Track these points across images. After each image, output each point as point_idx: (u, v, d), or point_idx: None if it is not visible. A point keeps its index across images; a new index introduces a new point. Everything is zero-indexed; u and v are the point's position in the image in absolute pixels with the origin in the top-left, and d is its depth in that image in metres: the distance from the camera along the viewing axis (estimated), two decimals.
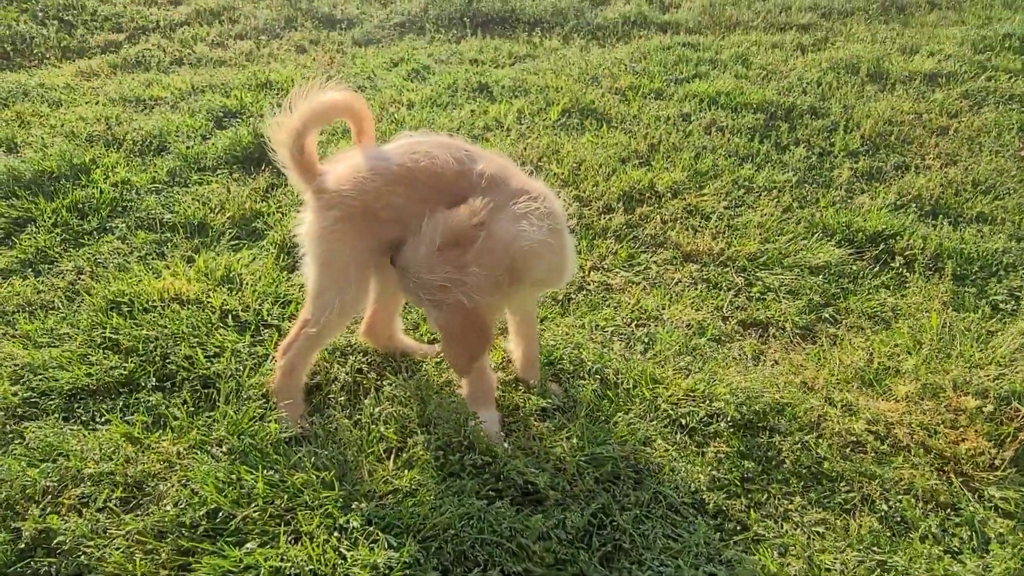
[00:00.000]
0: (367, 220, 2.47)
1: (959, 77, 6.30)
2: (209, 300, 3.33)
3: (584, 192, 4.43)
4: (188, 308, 3.25)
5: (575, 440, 2.59)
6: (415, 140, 2.57)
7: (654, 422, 2.74)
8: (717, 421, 2.73)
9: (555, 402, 2.78)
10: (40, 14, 7.50)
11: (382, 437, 2.65)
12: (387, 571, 2.15)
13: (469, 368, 2.47)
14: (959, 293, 3.58)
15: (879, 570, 2.21)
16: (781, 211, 4.29)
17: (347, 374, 2.94)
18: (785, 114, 5.56)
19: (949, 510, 2.42)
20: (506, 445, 2.58)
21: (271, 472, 2.45)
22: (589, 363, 2.98)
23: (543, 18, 8.03)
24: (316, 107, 2.47)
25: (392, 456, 2.59)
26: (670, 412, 2.79)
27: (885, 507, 2.41)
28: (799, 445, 2.63)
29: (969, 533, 2.30)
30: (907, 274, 3.77)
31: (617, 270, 3.81)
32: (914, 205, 4.36)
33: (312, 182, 2.50)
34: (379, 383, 2.92)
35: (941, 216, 4.29)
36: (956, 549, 2.26)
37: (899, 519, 2.38)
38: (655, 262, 3.87)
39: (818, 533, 2.34)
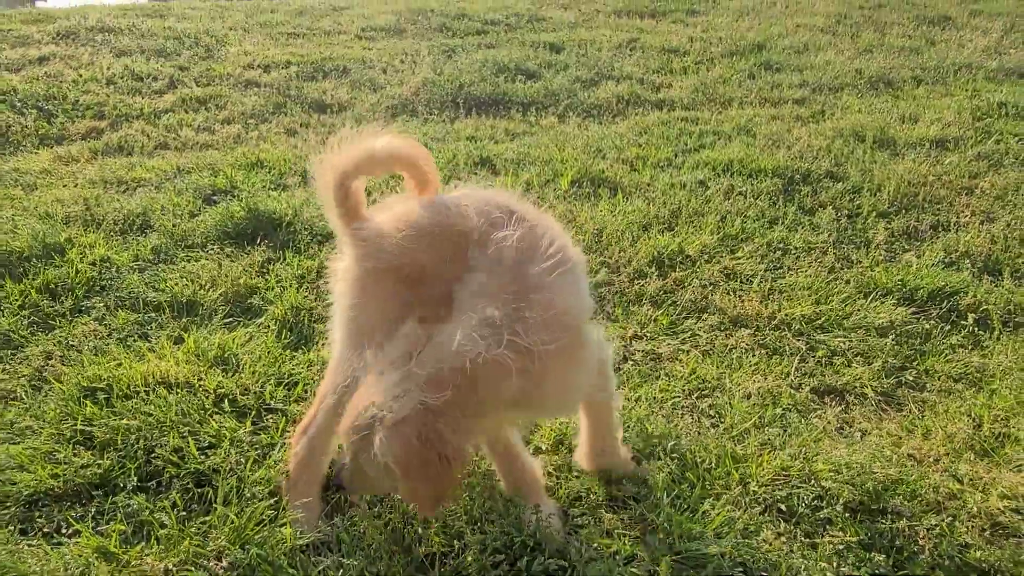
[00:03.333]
0: (397, 277, 2.06)
1: (967, 141, 6.20)
2: (201, 383, 2.84)
3: (611, 258, 4.08)
4: (176, 392, 2.76)
5: (661, 535, 2.11)
6: (468, 193, 2.19)
7: (748, 510, 2.27)
8: (827, 504, 2.26)
9: (629, 489, 2.31)
10: (19, 104, 7.22)
11: (421, 539, 2.14)
12: None
13: (434, 510, 1.89)
14: None
15: None
16: (826, 271, 3.96)
17: None
18: (803, 178, 5.34)
19: None
20: (578, 544, 2.08)
21: None
22: (658, 440, 2.52)
23: (536, 99, 7.94)
24: (374, 151, 2.11)
25: (437, 565, 2.08)
26: (764, 496, 2.32)
27: None
28: (935, 532, 2.16)
29: None
30: (981, 332, 3.41)
31: (662, 337, 3.40)
32: (967, 261, 4.06)
33: (351, 227, 2.09)
34: None
35: (997, 273, 3.98)
36: None
37: None
38: (701, 328, 3.47)
39: None
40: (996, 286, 3.77)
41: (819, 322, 3.48)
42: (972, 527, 2.18)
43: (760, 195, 5.00)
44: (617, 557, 2.05)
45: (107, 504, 2.29)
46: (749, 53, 9.32)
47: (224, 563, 2.02)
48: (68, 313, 3.49)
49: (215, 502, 2.25)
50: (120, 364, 2.97)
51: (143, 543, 2.14)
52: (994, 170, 5.54)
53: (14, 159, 6.03)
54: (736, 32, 10.40)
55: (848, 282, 3.85)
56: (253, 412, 2.74)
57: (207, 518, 2.21)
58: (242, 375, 2.94)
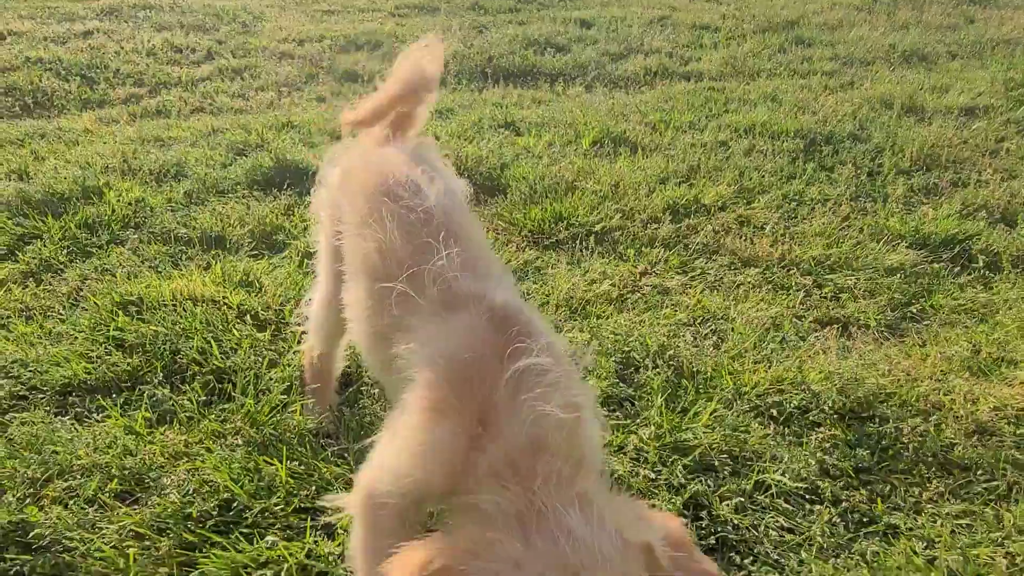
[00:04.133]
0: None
1: (997, 109, 6.12)
2: (226, 300, 3.00)
3: (626, 206, 4.15)
4: (203, 306, 2.92)
5: (653, 428, 2.20)
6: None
7: (741, 413, 2.34)
8: (816, 408, 2.33)
9: (625, 391, 2.40)
10: (63, 72, 7.52)
11: None
12: None
13: None
14: None
15: None
16: (840, 220, 3.98)
17: None
18: (825, 140, 5.34)
19: None
20: None
21: (296, 463, 2.05)
22: (658, 350, 2.61)
23: (564, 71, 8.01)
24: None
25: None
26: (758, 403, 2.39)
27: None
28: (919, 432, 2.21)
29: None
30: (992, 275, 3.42)
31: (671, 274, 3.47)
32: (983, 212, 4.05)
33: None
34: None
35: (1013, 223, 3.97)
36: None
37: None
38: (711, 268, 3.53)
39: (965, 525, 1.91)
40: (1010, 233, 3.76)
41: (828, 263, 3.52)
42: (958, 430, 2.23)
43: (781, 154, 5.02)
44: (607, 448, 2.15)
45: (134, 395, 2.45)
46: (781, 29, 9.26)
47: (240, 440, 2.16)
48: (104, 245, 3.69)
49: (234, 393, 2.39)
50: (150, 285, 3.14)
51: (166, 426, 2.29)
52: (1022, 135, 5.47)
53: (57, 120, 6.30)
54: (770, 10, 10.32)
55: (862, 230, 3.87)
56: (273, 326, 2.89)
57: (226, 405, 2.35)
58: (265, 295, 3.10)
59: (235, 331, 2.77)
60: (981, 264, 3.46)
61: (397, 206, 1.77)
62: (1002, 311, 3.01)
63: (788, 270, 3.48)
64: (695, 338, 2.85)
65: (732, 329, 2.89)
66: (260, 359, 2.59)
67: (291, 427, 2.20)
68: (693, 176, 4.66)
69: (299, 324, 2.51)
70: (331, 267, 2.07)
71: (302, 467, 2.03)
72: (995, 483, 2.05)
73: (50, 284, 3.29)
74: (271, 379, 2.48)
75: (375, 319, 1.72)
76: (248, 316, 2.92)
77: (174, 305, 2.93)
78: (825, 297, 3.25)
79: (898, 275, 3.39)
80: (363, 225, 1.80)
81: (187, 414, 2.32)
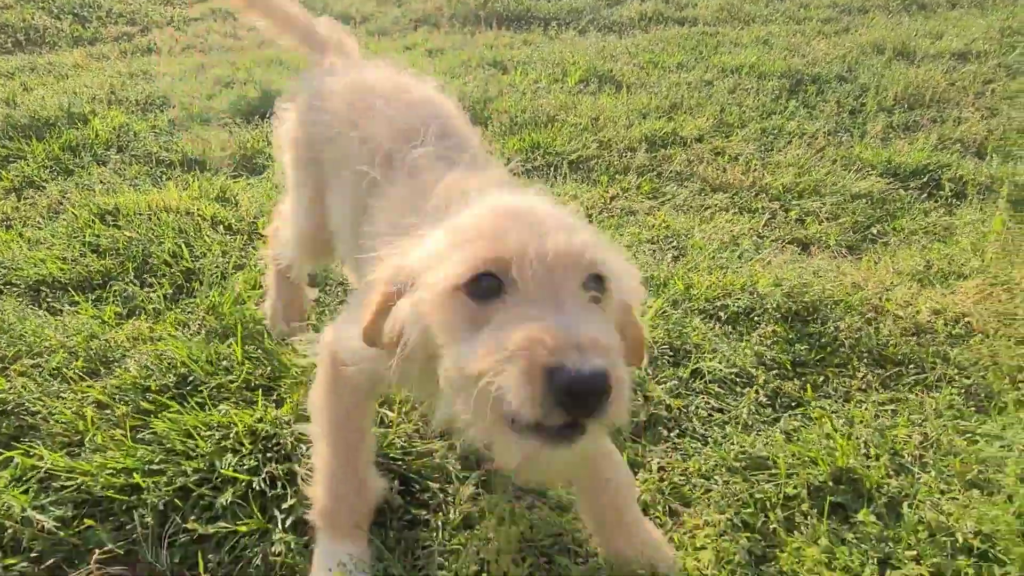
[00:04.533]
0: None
1: (990, 55, 6.07)
2: (200, 212, 3.07)
3: (604, 137, 4.18)
4: (176, 215, 3.00)
5: None
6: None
7: (688, 312, 2.42)
8: (760, 309, 2.40)
9: None
10: (56, 10, 7.50)
11: None
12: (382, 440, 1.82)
13: None
14: (1017, 215, 3.26)
15: (966, 441, 1.85)
16: (814, 152, 4.02)
17: None
18: (811, 80, 5.33)
19: None
20: None
21: (253, 347, 2.14)
22: None
23: (558, 15, 7.95)
24: None
25: None
26: (706, 305, 2.47)
27: (967, 382, 2.06)
28: (856, 330, 2.29)
29: None
30: (957, 202, 3.46)
31: (642, 199, 3.52)
32: (958, 146, 4.08)
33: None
34: None
35: (987, 157, 3.99)
36: None
37: (985, 394, 2.03)
38: (681, 193, 3.58)
39: (889, 411, 1.99)
40: (981, 165, 3.79)
41: (797, 189, 3.56)
42: (895, 330, 2.30)
43: (766, 92, 5.02)
44: None
45: (106, 292, 2.54)
46: None
47: (202, 331, 2.25)
48: (86, 165, 3.75)
49: (200, 289, 2.48)
50: (127, 198, 3.21)
51: (134, 317, 2.38)
52: (1011, 77, 5.45)
53: (48, 55, 6.32)
54: None
55: (834, 160, 3.90)
56: (245, 236, 2.96)
57: (191, 299, 2.44)
58: (239, 209, 3.17)
59: (206, 237, 2.85)
60: (948, 192, 3.50)
61: (383, 102, 1.79)
62: (960, 232, 3.07)
63: (757, 195, 3.53)
64: (654, 252, 2.92)
65: (692, 245, 2.95)
66: (227, 261, 2.67)
67: (250, 317, 2.29)
68: (675, 112, 4.68)
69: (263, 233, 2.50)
70: (306, 178, 2.03)
71: (258, 351, 2.12)
72: (924, 375, 2.13)
73: (31, 198, 3.37)
74: (237, 278, 2.56)
75: (352, 203, 1.73)
76: (221, 226, 3.00)
77: (149, 215, 3.01)
78: (789, 220, 3.30)
79: (864, 200, 3.44)
80: (347, 126, 1.80)
81: (154, 307, 2.40)
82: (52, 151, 3.84)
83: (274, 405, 1.91)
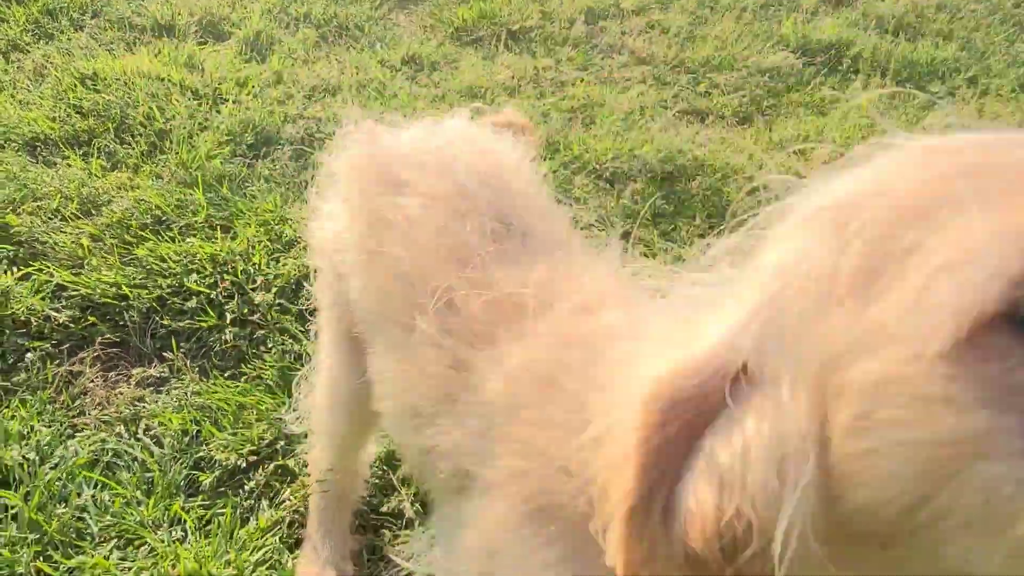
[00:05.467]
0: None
1: None
2: (170, 77, 3.47)
3: (548, 8, 4.47)
4: (149, 80, 3.40)
5: None
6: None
7: (580, 172, 2.91)
8: (638, 171, 2.89)
9: None
10: None
11: None
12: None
13: None
14: (898, 91, 3.67)
15: None
16: (743, 26, 4.34)
17: None
18: None
19: None
20: None
21: (214, 195, 2.65)
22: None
23: None
24: None
25: None
26: (596, 167, 2.95)
27: None
28: (711, 189, 2.79)
29: None
30: (853, 77, 3.85)
31: (572, 71, 3.90)
32: (874, 23, 4.39)
33: None
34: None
35: (900, 33, 4.32)
36: None
37: None
38: (609, 65, 3.96)
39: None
40: (888, 43, 4.14)
41: (715, 63, 3.94)
42: (742, 188, 2.80)
43: None
44: None
45: (91, 148, 3.01)
46: None
47: (173, 181, 2.75)
48: (64, 29, 4.08)
49: (171, 143, 2.95)
50: (105, 64, 3.59)
51: (117, 171, 2.87)
52: None
53: None
54: None
55: (757, 35, 4.24)
56: (210, 99, 3.38)
57: (164, 155, 2.92)
58: (204, 74, 3.56)
59: (175, 102, 3.28)
60: (845, 67, 3.89)
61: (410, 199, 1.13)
62: (840, 110, 3.49)
63: (674, 68, 3.91)
64: (568, 120, 3.36)
65: (601, 116, 3.39)
66: (194, 123, 3.12)
67: (213, 171, 2.78)
68: None
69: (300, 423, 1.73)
70: (338, 333, 1.37)
71: (219, 198, 2.63)
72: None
73: (18, 61, 3.74)
74: (203, 139, 3.02)
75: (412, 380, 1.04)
76: (189, 92, 3.41)
77: (125, 80, 3.41)
78: (697, 92, 3.71)
79: (768, 74, 3.83)
80: (369, 239, 1.15)
81: (134, 162, 2.89)
82: (32, 14, 4.16)
83: (230, 238, 2.44)
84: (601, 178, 2.89)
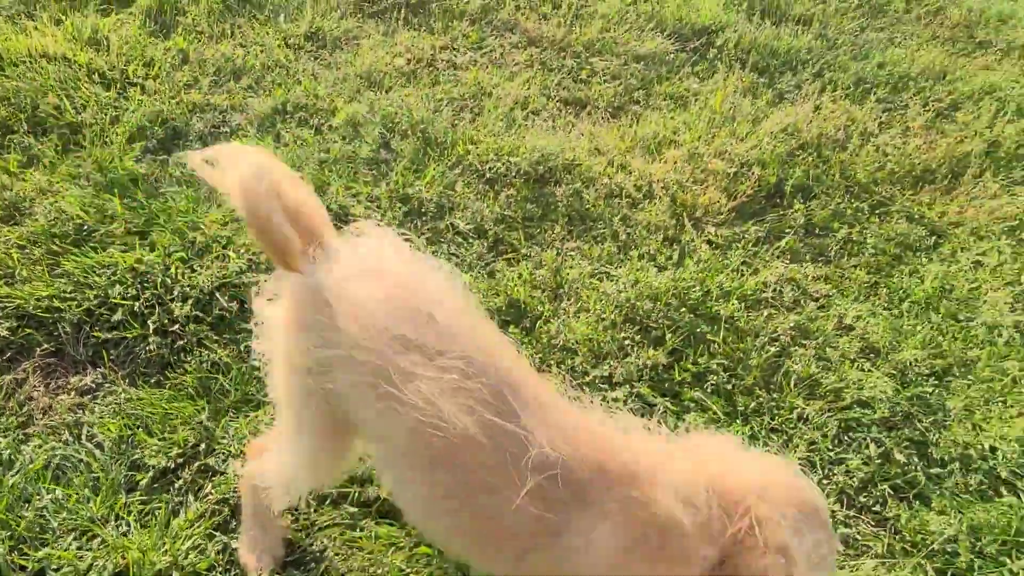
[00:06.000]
0: None
1: None
2: (76, 58, 3.61)
3: None
4: (55, 64, 3.54)
5: (391, 184, 3.16)
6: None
7: (463, 174, 3.31)
8: (514, 174, 3.31)
9: (383, 156, 3.31)
10: None
11: None
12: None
13: None
14: (755, 82, 4.14)
15: (604, 277, 2.93)
16: (628, 4, 4.66)
17: None
18: None
19: (673, 242, 3.14)
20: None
21: (130, 200, 2.95)
22: (415, 123, 3.47)
23: None
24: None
25: None
26: (479, 167, 3.35)
27: (624, 237, 3.10)
28: (573, 193, 3.25)
29: (676, 253, 3.03)
30: (719, 64, 4.29)
31: (466, 51, 4.20)
32: (745, 4, 4.79)
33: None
34: None
35: (767, 16, 4.74)
36: (662, 265, 2.99)
37: (631, 245, 3.08)
38: (502, 45, 4.26)
39: (571, 255, 3.03)
40: (755, 28, 4.56)
41: (597, 46, 4.29)
42: (600, 194, 3.28)
43: None
44: (356, 195, 3.11)
45: (4, 141, 3.21)
46: None
47: (90, 183, 3.01)
48: None
49: (84, 144, 3.19)
50: (8, 39, 3.68)
51: (33, 168, 3.10)
52: None
53: None
54: None
55: (640, 16, 4.58)
56: (118, 84, 3.57)
57: (79, 154, 3.16)
58: (110, 55, 3.71)
59: (84, 89, 3.46)
60: (712, 55, 4.31)
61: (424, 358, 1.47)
62: (699, 100, 3.95)
63: (561, 52, 4.25)
64: (457, 112, 3.71)
65: (488, 107, 3.75)
66: (105, 115, 3.34)
67: (127, 171, 3.06)
68: None
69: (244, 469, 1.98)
70: (309, 415, 1.70)
71: (135, 203, 2.93)
72: (604, 230, 3.15)
73: None
74: (115, 132, 3.26)
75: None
76: (96, 75, 3.58)
77: (30, 62, 3.54)
78: (578, 79, 4.09)
79: (644, 62, 4.22)
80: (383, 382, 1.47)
81: (49, 160, 3.12)
82: None
83: (148, 247, 2.78)
84: (482, 179, 3.31)
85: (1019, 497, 2.35)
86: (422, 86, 3.86)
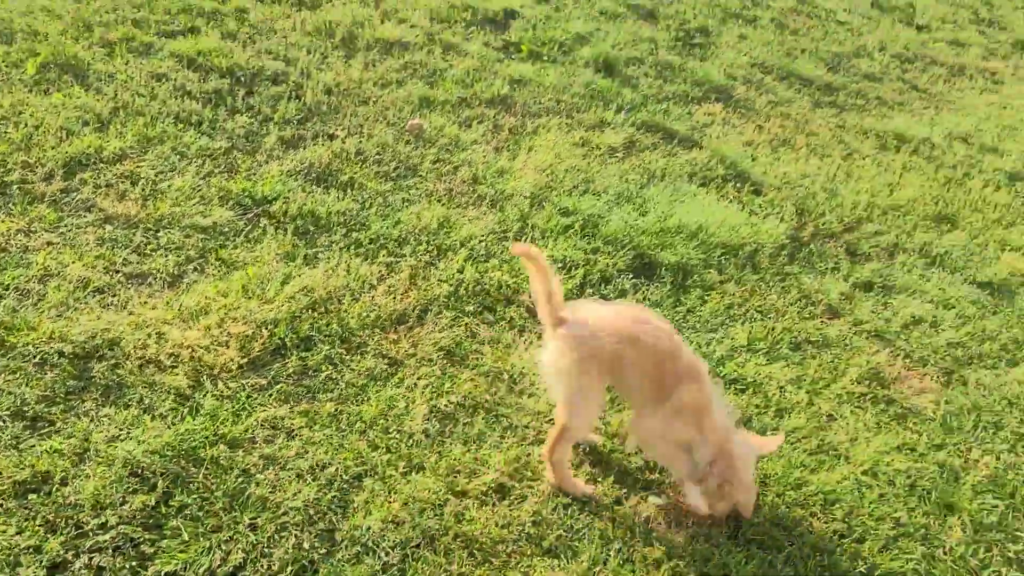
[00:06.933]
0: (603, 362, 3.63)
1: (412, 47, 8.16)
2: None
3: (32, 158, 5.40)
4: None
5: None
6: (624, 308, 3.99)
7: (24, 364, 4.10)
8: (58, 356, 4.17)
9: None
10: None
11: None
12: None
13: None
14: (295, 245, 5.38)
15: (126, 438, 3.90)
16: (200, 178, 5.72)
17: None
18: (250, 79, 6.91)
19: (188, 399, 4.20)
20: None
21: None
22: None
23: None
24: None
25: None
26: (41, 355, 4.16)
27: (147, 402, 4.10)
28: (111, 367, 4.20)
29: (187, 409, 4.09)
30: (273, 232, 5.48)
31: (42, 232, 4.96)
32: (305, 172, 6.09)
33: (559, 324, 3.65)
34: None
35: (324, 183, 6.07)
36: (171, 421, 4.04)
37: (152, 408, 4.09)
38: (79, 225, 5.08)
39: (103, 420, 3.95)
40: (309, 195, 5.85)
41: (166, 221, 5.28)
42: (132, 360, 4.26)
43: (203, 96, 6.47)
44: None
45: None
46: None
47: None
48: None
49: None
50: None
51: None
52: (393, 86, 7.59)
53: None
54: None
55: (207, 188, 5.65)
56: None
57: None
58: None
59: None
60: (264, 224, 5.51)
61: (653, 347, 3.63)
62: (246, 266, 5.10)
63: (157, 233, 5.16)
64: (22, 298, 4.48)
65: (51, 289, 4.56)
66: None
67: None
68: (113, 120, 5.97)
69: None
70: (602, 390, 3.86)
71: None
72: (133, 396, 4.13)
73: None
74: None
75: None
76: None
77: None
78: (142, 252, 5.03)
79: (206, 232, 5.29)
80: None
81: None
82: None
83: None
84: (32, 363, 4.12)
85: None
86: None
